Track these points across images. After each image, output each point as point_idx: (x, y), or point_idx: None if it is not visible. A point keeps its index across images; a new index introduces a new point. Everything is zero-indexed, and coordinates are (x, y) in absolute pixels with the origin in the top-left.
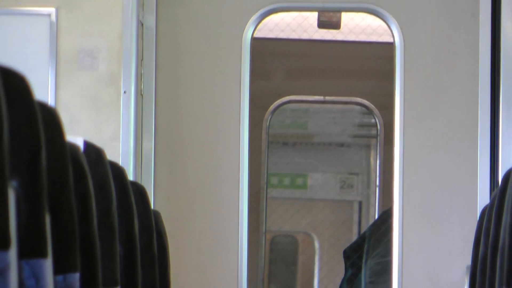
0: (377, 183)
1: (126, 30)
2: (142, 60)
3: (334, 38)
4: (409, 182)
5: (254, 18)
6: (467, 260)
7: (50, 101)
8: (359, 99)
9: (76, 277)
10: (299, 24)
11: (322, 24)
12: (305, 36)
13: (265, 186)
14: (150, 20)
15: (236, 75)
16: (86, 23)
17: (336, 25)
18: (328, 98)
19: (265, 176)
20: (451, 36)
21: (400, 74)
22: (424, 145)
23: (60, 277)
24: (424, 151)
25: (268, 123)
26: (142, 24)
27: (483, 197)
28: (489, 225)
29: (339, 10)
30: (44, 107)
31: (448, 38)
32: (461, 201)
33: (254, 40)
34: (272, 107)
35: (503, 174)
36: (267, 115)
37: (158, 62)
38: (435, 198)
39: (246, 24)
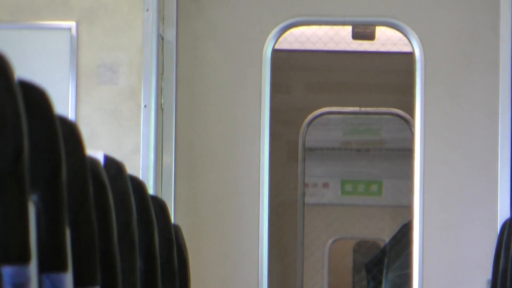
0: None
1: (147, 44)
2: (162, 74)
3: (356, 50)
4: (429, 195)
5: (274, 32)
6: (488, 274)
7: (70, 115)
8: (394, 110)
9: None
10: (320, 38)
11: (356, 36)
12: (323, 48)
13: (302, 197)
14: (170, 34)
15: (256, 88)
16: (107, 37)
17: (370, 36)
18: (363, 109)
19: (302, 186)
20: (471, 50)
21: (420, 86)
22: (444, 158)
23: None
24: (444, 163)
25: (304, 135)
26: (163, 38)
27: (503, 211)
28: (509, 238)
29: (360, 24)
30: (64, 121)
31: (468, 52)
32: (482, 214)
33: (280, 52)
34: (307, 119)
35: None
36: (303, 127)
37: (178, 76)
38: (455, 211)
39: (267, 38)
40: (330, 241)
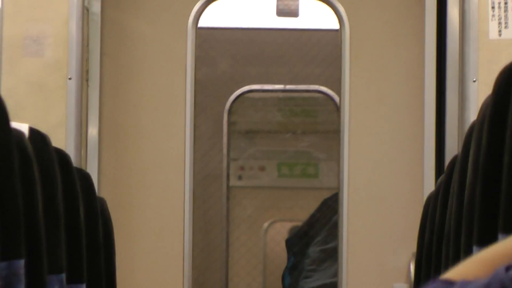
0: None
1: (72, 15)
2: (87, 46)
3: (278, 27)
4: (355, 169)
5: (199, 4)
6: (413, 247)
7: None
8: (319, 87)
9: (21, 263)
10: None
11: (280, 12)
12: (247, 24)
13: (227, 176)
14: (96, 6)
15: (181, 61)
16: (32, 9)
17: (294, 13)
18: (288, 86)
19: (226, 165)
20: (397, 23)
21: (346, 60)
22: (370, 130)
23: (4, 264)
24: (369, 137)
25: (228, 113)
26: (88, 10)
27: (428, 184)
28: (435, 212)
29: None
30: None
31: (394, 25)
32: (407, 187)
33: (206, 29)
34: (231, 96)
35: (448, 161)
36: (227, 104)
37: (103, 48)
38: (381, 184)
39: (192, 10)
40: (267, 224)
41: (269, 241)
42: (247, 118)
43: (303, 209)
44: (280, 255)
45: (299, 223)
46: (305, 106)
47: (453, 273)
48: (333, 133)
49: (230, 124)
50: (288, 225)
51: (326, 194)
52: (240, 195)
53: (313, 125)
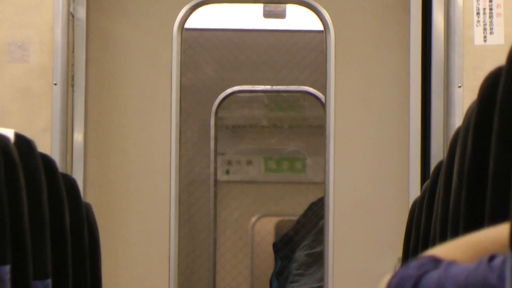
0: None
1: (56, 22)
2: (72, 52)
3: (265, 28)
4: (340, 174)
5: (185, 9)
6: (398, 252)
7: None
8: (307, 88)
9: (6, 269)
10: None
11: (267, 14)
12: (234, 26)
13: (214, 176)
14: (81, 12)
15: (166, 66)
16: (17, 15)
17: (281, 15)
18: (275, 87)
19: (214, 164)
20: (382, 28)
21: (331, 66)
22: (355, 136)
23: None
24: (355, 143)
25: (215, 113)
26: (73, 16)
27: (413, 190)
28: (420, 217)
29: (270, 2)
30: None
31: (379, 31)
32: (392, 193)
33: (191, 31)
34: (218, 98)
35: (433, 167)
36: (214, 105)
37: (88, 53)
38: (366, 190)
39: (177, 15)
40: (254, 218)
41: (257, 236)
42: (235, 114)
43: (289, 204)
44: (267, 250)
45: (286, 218)
46: (292, 103)
47: (440, 251)
48: (320, 128)
49: (217, 119)
50: (275, 220)
51: (313, 189)
52: (227, 190)
53: (300, 121)
